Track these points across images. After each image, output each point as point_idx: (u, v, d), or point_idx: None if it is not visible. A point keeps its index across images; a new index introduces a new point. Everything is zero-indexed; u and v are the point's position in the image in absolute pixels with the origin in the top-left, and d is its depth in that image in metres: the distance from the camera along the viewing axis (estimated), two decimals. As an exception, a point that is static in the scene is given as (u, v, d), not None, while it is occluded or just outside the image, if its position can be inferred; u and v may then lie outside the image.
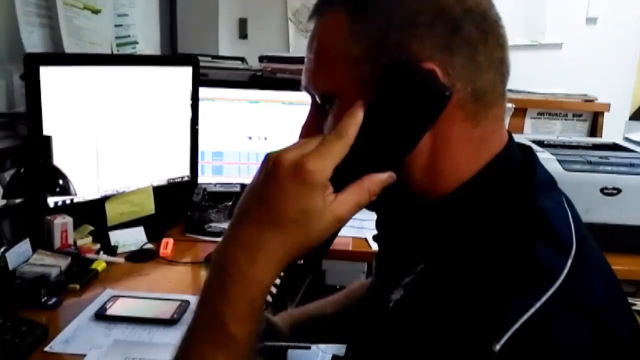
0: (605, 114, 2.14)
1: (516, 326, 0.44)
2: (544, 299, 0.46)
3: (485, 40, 0.54)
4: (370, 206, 0.56)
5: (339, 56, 0.55)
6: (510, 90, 2.33)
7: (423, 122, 0.53)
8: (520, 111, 2.14)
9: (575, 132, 2.16)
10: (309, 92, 0.60)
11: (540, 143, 1.80)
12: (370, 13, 0.54)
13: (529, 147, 0.62)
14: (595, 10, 2.33)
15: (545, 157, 1.56)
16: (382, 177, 0.54)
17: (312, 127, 0.60)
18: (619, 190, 1.53)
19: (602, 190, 1.53)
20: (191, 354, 0.53)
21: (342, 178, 0.53)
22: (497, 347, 0.43)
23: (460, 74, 0.53)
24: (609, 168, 1.55)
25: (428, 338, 0.47)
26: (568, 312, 0.47)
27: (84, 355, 0.96)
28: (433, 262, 0.54)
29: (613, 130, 2.14)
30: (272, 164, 0.53)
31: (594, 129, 2.15)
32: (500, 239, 0.51)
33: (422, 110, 0.52)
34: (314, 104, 0.61)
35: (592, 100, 2.15)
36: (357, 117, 0.53)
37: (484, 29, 0.54)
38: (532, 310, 0.45)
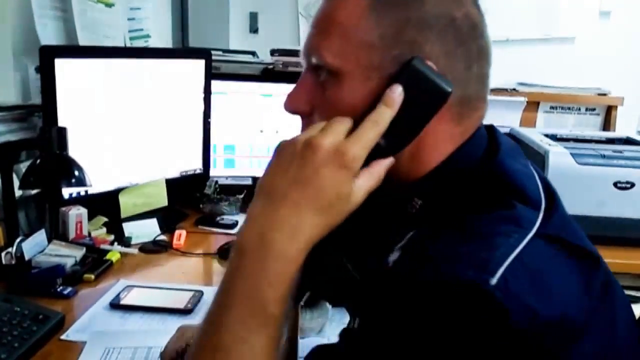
0: (619, 107, 2.12)
1: (507, 263, 0.50)
2: (525, 241, 0.53)
3: (480, 57, 0.61)
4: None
5: (354, 37, 0.57)
6: (522, 84, 2.32)
7: (428, 113, 0.57)
8: (533, 105, 2.13)
9: (588, 126, 2.15)
10: (310, 58, 0.61)
11: (553, 137, 1.79)
12: (393, 4, 0.57)
13: (491, 125, 0.67)
14: (608, 4, 2.30)
15: (558, 151, 1.55)
16: (387, 162, 0.58)
17: (305, 98, 0.62)
18: (632, 184, 1.52)
19: (615, 184, 1.52)
20: (227, 334, 0.53)
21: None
22: (494, 280, 0.48)
23: (455, 81, 0.58)
24: (622, 162, 1.54)
25: (428, 284, 0.50)
26: (547, 246, 0.54)
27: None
28: (424, 226, 0.58)
29: (626, 124, 2.13)
30: (307, 147, 0.55)
31: (607, 123, 2.14)
32: (480, 200, 0.57)
33: (429, 101, 0.57)
34: (309, 72, 0.62)
35: (605, 94, 2.14)
36: (394, 106, 0.56)
37: (481, 46, 0.60)
38: (517, 250, 0.51)
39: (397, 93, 0.56)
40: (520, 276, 0.50)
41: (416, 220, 0.61)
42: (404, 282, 0.52)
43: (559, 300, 0.51)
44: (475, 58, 0.60)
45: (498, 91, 2.06)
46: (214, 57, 1.72)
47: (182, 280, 1.25)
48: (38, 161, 1.21)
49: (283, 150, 0.57)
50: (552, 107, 2.15)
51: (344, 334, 0.60)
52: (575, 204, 1.51)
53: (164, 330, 0.98)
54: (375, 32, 0.57)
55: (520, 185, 0.59)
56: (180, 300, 1.13)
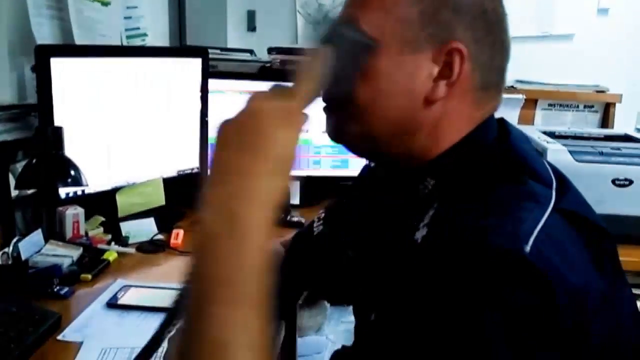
0: (617, 105, 2.12)
1: (535, 234, 0.53)
2: (545, 215, 0.56)
3: (503, 50, 0.65)
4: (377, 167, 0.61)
5: (394, 12, 0.62)
6: (520, 81, 2.31)
7: (357, 66, 0.61)
8: (531, 102, 2.13)
9: (586, 124, 2.15)
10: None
11: (552, 134, 1.78)
12: None
13: (501, 117, 0.71)
14: (606, 1, 2.30)
15: (557, 149, 1.55)
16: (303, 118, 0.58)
17: None
18: (630, 182, 1.52)
19: (613, 182, 1.52)
20: (223, 326, 0.48)
21: None
22: (527, 248, 0.51)
23: (479, 66, 0.63)
24: (620, 159, 1.54)
25: (464, 254, 0.52)
26: (564, 221, 0.58)
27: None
28: (446, 202, 0.61)
29: (625, 121, 2.13)
30: (250, 115, 0.54)
31: (606, 120, 2.14)
32: (495, 178, 0.60)
33: (357, 56, 0.61)
34: None
35: (603, 91, 2.14)
36: (321, 58, 0.59)
37: (504, 40, 0.65)
38: (541, 223, 0.55)
39: (322, 48, 0.59)
40: (549, 246, 0.53)
41: (429, 200, 0.63)
42: (437, 255, 0.54)
43: (581, 270, 0.54)
44: (499, 50, 0.64)
45: (496, 89, 2.06)
46: (211, 56, 1.72)
47: (180, 280, 1.24)
48: (34, 161, 1.20)
49: (225, 125, 0.54)
50: (550, 105, 2.15)
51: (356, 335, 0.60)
52: (573, 201, 1.52)
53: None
54: (414, 9, 0.61)
55: (533, 164, 0.62)
56: (177, 299, 1.13)
